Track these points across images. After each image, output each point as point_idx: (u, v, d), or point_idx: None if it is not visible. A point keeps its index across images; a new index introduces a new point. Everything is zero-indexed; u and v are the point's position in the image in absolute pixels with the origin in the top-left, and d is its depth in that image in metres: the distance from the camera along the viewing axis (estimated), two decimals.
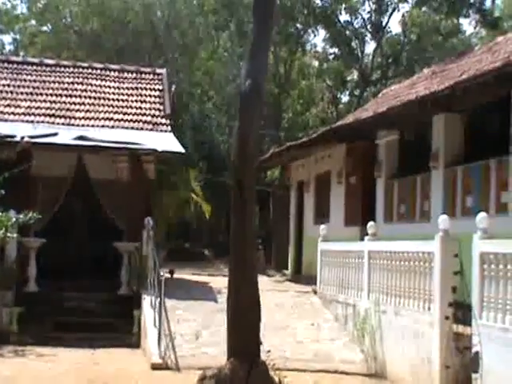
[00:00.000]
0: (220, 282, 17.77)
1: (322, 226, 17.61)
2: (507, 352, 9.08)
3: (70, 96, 21.09)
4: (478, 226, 10.06)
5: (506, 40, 16.70)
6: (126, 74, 22.76)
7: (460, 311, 10.39)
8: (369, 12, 36.96)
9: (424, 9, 33.65)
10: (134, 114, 20.87)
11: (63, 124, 19.77)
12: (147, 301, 15.41)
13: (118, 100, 21.38)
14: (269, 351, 11.44)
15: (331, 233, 17.65)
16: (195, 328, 14.42)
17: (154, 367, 12.58)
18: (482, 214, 10.35)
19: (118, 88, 21.94)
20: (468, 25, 31.70)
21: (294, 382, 11.01)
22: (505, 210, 12.80)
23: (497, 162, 13.36)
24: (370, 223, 14.42)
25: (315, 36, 41.36)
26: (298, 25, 37.94)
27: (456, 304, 10.51)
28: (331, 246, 16.65)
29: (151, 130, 20.34)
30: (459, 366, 10.17)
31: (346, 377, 12.29)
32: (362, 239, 15.61)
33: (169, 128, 20.51)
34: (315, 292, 17.61)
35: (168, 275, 18.76)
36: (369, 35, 37.63)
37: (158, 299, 13.80)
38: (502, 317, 9.33)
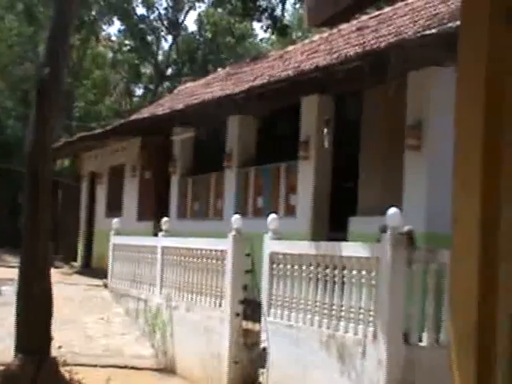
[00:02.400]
0: (2, 273, 17.33)
1: (115, 220, 17.59)
2: (292, 348, 9.57)
3: None
4: (268, 226, 10.49)
5: (295, 50, 17.44)
6: None
7: (250, 308, 10.75)
8: (165, 8, 37.29)
9: (220, 10, 34.33)
10: None
11: None
12: None
13: None
14: (60, 347, 11.38)
15: (124, 227, 17.65)
16: None
17: None
18: (273, 216, 10.82)
19: None
20: (260, 29, 32.64)
21: (86, 378, 10.97)
22: (292, 212, 13.37)
23: (287, 165, 13.91)
24: (164, 219, 14.60)
25: (110, 26, 41.19)
26: (93, 12, 37.57)
27: (246, 301, 10.87)
28: (124, 241, 16.65)
29: None
30: (247, 361, 10.53)
31: (136, 372, 12.40)
32: (155, 234, 15.79)
33: None
34: (106, 286, 17.58)
35: None
36: (165, 31, 37.93)
37: None
38: (288, 314, 9.80)
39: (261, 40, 37.22)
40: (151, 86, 39.53)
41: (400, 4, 13.35)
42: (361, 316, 8.52)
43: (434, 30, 10.39)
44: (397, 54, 10.63)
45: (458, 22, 7.81)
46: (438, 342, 8.20)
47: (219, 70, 24.21)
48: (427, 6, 12.70)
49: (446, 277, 8.05)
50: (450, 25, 10.09)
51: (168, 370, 12.63)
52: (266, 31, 29.14)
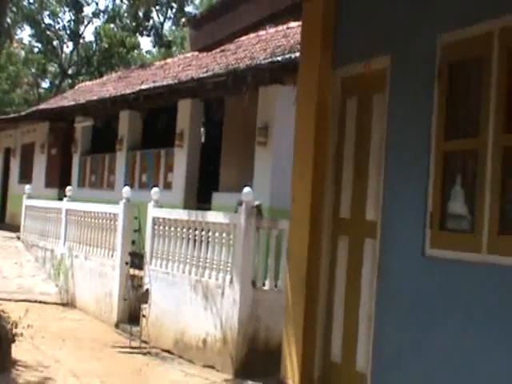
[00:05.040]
0: None
1: (27, 186, 17.22)
2: (167, 288, 9.71)
3: None
4: (152, 197, 10.52)
5: (173, 62, 17.45)
6: None
7: (137, 259, 10.76)
8: (69, 21, 36.39)
9: (113, 25, 33.83)
10: None
11: None
12: None
13: None
14: None
15: (34, 192, 17.26)
16: None
17: None
18: (155, 189, 10.90)
19: None
20: (149, 43, 32.55)
21: (7, 310, 10.73)
22: (169, 186, 13.48)
23: (166, 151, 14.01)
24: (69, 187, 14.42)
25: (22, 31, 39.73)
26: (8, 20, 36.10)
27: (134, 254, 10.87)
28: (34, 203, 16.30)
29: None
30: (134, 298, 10.52)
31: (45, 305, 12.24)
32: (59, 199, 15.58)
33: None
34: (19, 238, 17.21)
35: None
36: (67, 38, 36.94)
37: None
38: (166, 264, 9.88)
39: (146, 52, 36.96)
40: (56, 82, 38.40)
41: (253, 35, 13.54)
42: (221, 266, 8.67)
43: (279, 58, 10.74)
44: (252, 73, 10.96)
45: (297, 54, 8.24)
46: (276, 287, 8.43)
47: (113, 73, 23.88)
48: (273, 39, 12.96)
49: (283, 239, 8.34)
50: (290, 55, 10.48)
51: (70, 304, 12.50)
52: (154, 46, 28.94)
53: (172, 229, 9.89)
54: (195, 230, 9.33)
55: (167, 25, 34.99)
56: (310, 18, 6.38)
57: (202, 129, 13.95)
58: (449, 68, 5.01)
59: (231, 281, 8.43)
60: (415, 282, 5.13)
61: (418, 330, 5.06)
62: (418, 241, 5.07)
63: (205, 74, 12.19)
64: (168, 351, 9.27)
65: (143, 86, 14.45)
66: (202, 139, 14.29)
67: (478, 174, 4.65)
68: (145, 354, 9.16)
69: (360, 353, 5.68)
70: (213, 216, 9.29)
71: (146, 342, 9.56)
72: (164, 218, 10.15)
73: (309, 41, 6.48)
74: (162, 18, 33.80)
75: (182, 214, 10.05)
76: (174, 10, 32.96)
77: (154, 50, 35.76)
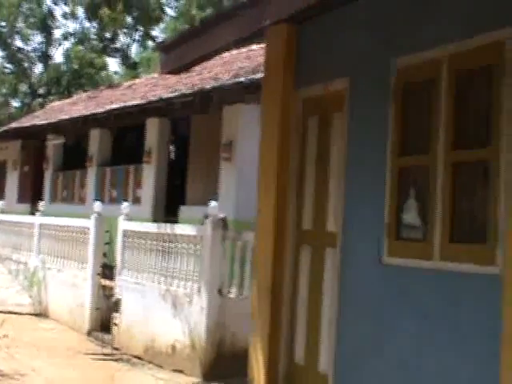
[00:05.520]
0: None
1: (0, 202, 17.02)
2: (138, 298, 9.69)
3: None
4: (122, 211, 10.53)
5: (140, 83, 17.43)
6: None
7: (108, 270, 10.74)
8: (39, 43, 36.09)
9: (82, 47, 33.66)
10: None
11: None
12: None
13: None
14: None
15: (7, 207, 17.04)
16: None
17: None
18: (126, 203, 10.91)
19: None
20: (116, 64, 32.49)
21: None
22: (139, 201, 13.41)
23: (135, 167, 13.96)
24: (42, 202, 14.30)
25: None
26: None
27: (105, 265, 10.85)
28: (7, 218, 15.98)
29: None
30: (105, 308, 10.48)
31: (19, 316, 12.07)
32: (31, 213, 15.41)
33: None
34: None
35: None
36: (38, 59, 36.64)
37: None
38: (136, 274, 9.85)
39: (114, 72, 36.81)
40: (26, 101, 37.98)
41: (217, 57, 13.60)
42: (189, 276, 8.69)
43: (242, 79, 10.81)
44: (217, 93, 11.02)
45: (259, 75, 8.37)
46: (241, 295, 8.46)
47: (83, 93, 23.73)
48: (236, 60, 13.03)
49: (247, 250, 8.44)
50: (252, 76, 10.56)
51: (43, 315, 12.35)
52: (121, 66, 28.83)
53: (142, 241, 9.87)
54: (164, 241, 9.34)
55: (133, 47, 35.05)
56: (274, 43, 6.50)
57: (170, 146, 13.92)
58: (403, 90, 5.16)
59: (199, 289, 8.45)
60: (374, 287, 5.25)
61: (377, 332, 5.17)
62: (376, 249, 5.19)
63: (172, 94, 12.20)
64: (139, 357, 9.24)
65: (113, 106, 14.40)
66: (170, 156, 14.25)
67: (430, 188, 4.80)
68: (117, 360, 9.13)
69: (322, 355, 5.77)
70: (181, 228, 9.33)
71: (117, 349, 9.53)
72: (134, 231, 10.15)
73: (272, 64, 6.60)
74: (128, 40, 33.80)
75: (151, 227, 10.07)
76: (139, 33, 33.01)
77: (121, 71, 35.68)
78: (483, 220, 4.39)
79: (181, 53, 6.37)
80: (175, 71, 7.22)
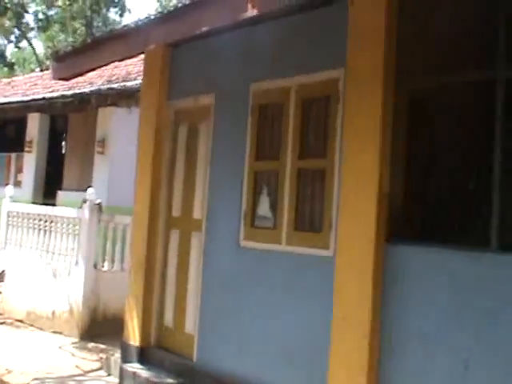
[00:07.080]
0: None
1: None
2: (21, 269, 9.16)
3: None
4: (6, 194, 9.94)
5: (19, 81, 16.33)
6: None
7: None
8: None
9: None
10: None
11: None
12: None
13: None
14: None
15: None
16: None
17: None
18: (10, 186, 10.26)
19: None
20: None
21: None
22: (20, 185, 12.68)
23: (16, 155, 13.17)
24: None
25: None
26: None
27: None
28: None
29: None
30: None
31: None
32: None
33: None
34: None
35: None
36: None
37: None
38: (19, 249, 9.37)
39: None
40: None
41: None
42: (68, 252, 8.40)
43: (115, 85, 10.54)
44: (95, 96, 10.66)
45: (129, 83, 8.19)
46: (112, 268, 8.33)
47: None
48: (107, 68, 12.60)
49: (118, 231, 8.33)
50: (123, 83, 10.34)
51: None
52: None
53: (25, 220, 9.38)
54: (45, 221, 8.96)
55: (9, 47, 32.66)
56: (152, 61, 6.41)
57: (49, 138, 13.17)
58: (259, 108, 5.32)
59: (76, 263, 8.21)
60: (232, 265, 5.39)
61: (234, 300, 5.32)
62: (235, 234, 5.33)
63: (54, 94, 11.61)
64: (21, 321, 8.78)
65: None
66: (49, 146, 13.48)
67: (279, 187, 5.01)
68: (1, 323, 8.62)
69: (188, 319, 5.83)
70: (62, 210, 8.96)
71: (1, 314, 8.99)
72: (18, 212, 9.60)
73: (150, 78, 6.51)
74: (5, 41, 31.45)
75: (34, 209, 9.56)
76: (16, 35, 30.83)
77: None
78: (320, 214, 4.67)
79: (72, 63, 6.11)
80: (65, 78, 6.93)
